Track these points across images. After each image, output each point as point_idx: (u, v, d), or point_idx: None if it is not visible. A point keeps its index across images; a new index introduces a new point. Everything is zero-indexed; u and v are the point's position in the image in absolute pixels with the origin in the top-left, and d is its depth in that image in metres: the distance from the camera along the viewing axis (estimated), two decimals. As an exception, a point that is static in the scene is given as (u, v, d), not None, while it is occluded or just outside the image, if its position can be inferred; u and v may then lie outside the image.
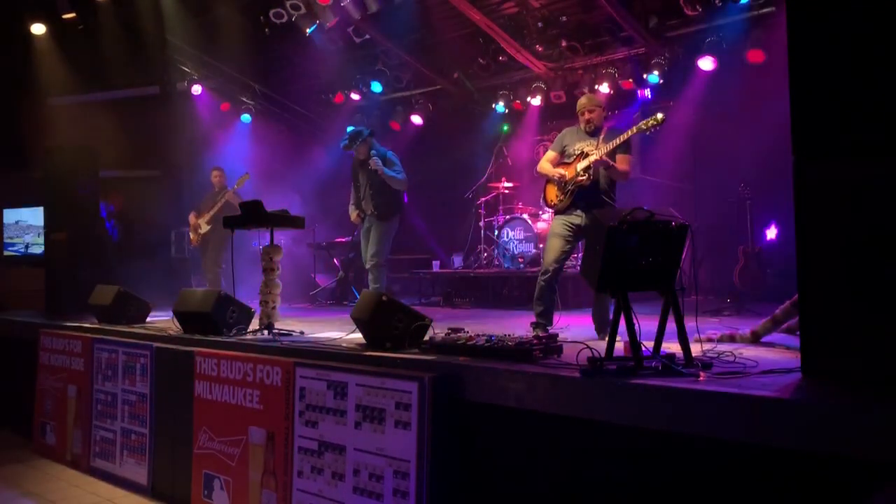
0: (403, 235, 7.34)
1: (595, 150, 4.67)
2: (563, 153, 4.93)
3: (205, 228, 7.93)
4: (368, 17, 8.65)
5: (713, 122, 8.65)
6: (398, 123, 10.83)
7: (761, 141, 7.55)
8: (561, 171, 4.82)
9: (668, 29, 8.27)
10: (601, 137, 4.75)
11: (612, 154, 4.66)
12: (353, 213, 6.77)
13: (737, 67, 7.84)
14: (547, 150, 5.09)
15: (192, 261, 9.43)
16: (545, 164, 4.96)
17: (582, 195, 4.71)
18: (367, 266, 6.59)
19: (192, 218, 8.11)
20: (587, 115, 4.82)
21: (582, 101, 4.92)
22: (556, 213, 4.86)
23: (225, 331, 4.68)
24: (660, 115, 4.48)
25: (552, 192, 4.91)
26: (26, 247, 8.90)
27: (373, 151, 6.51)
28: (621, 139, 4.59)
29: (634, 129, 4.57)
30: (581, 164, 4.70)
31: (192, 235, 8.17)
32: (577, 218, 4.73)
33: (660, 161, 9.12)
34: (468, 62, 9.64)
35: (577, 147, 4.81)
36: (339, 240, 9.93)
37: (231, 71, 10.49)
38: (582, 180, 4.67)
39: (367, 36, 9.39)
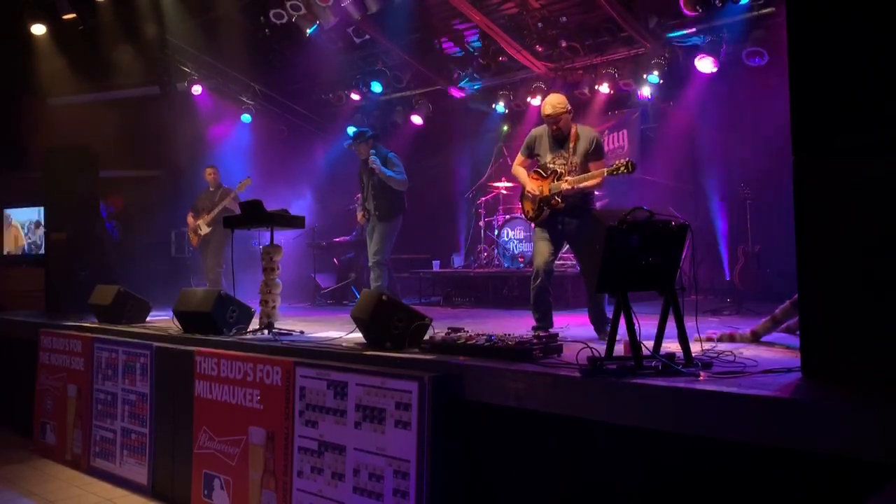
0: (404, 235, 7.34)
1: (566, 172, 4.59)
2: (532, 157, 4.87)
3: (205, 230, 7.84)
4: (368, 18, 8.65)
5: (713, 122, 8.66)
6: (398, 122, 10.85)
7: (761, 140, 7.56)
8: (534, 187, 4.72)
9: (668, 29, 8.27)
10: (571, 147, 4.64)
11: (583, 168, 4.58)
12: (359, 213, 6.92)
13: (737, 67, 7.84)
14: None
15: (191, 261, 9.42)
16: (519, 170, 4.91)
17: (557, 211, 4.66)
18: (370, 265, 6.67)
19: (190, 220, 8.03)
20: (554, 126, 4.65)
21: (546, 109, 4.66)
22: (536, 224, 4.81)
23: (225, 330, 4.68)
24: (632, 164, 4.32)
25: (528, 206, 4.84)
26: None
27: (372, 151, 6.64)
28: (590, 177, 4.49)
29: (605, 171, 4.44)
30: (554, 188, 4.61)
31: (191, 237, 8.08)
32: (556, 225, 4.70)
33: (660, 161, 9.12)
34: (468, 62, 9.63)
35: (550, 159, 4.72)
36: (338, 240, 9.93)
37: (231, 71, 10.48)
38: (555, 205, 4.62)
39: (367, 36, 9.39)
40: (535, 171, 4.83)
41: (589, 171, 4.58)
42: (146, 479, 4.63)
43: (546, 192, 4.67)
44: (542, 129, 4.85)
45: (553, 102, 4.65)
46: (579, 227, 4.60)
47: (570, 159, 4.63)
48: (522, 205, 4.94)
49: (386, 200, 6.64)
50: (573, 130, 4.69)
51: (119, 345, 5.01)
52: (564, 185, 4.54)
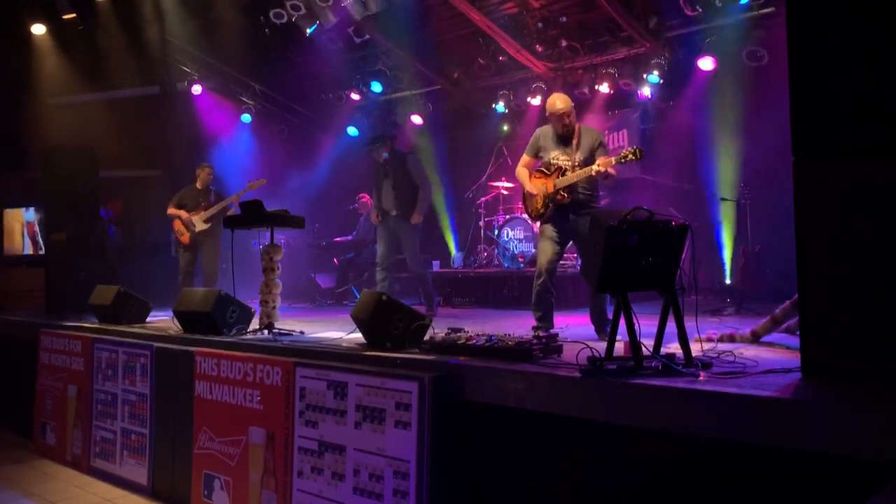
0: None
1: (570, 168, 4.64)
2: (537, 156, 4.89)
3: (201, 227, 7.42)
4: (368, 17, 8.65)
5: (713, 122, 8.65)
6: (399, 121, 10.85)
7: (761, 141, 7.56)
8: (538, 184, 4.76)
9: (668, 29, 8.27)
10: (575, 144, 4.69)
11: (587, 165, 4.61)
12: (373, 214, 6.94)
13: (737, 67, 7.84)
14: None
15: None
16: (522, 171, 4.93)
17: (563, 206, 4.68)
18: (380, 266, 6.66)
19: (183, 213, 7.46)
20: (566, 120, 4.71)
21: (559, 105, 4.72)
22: (542, 223, 4.83)
23: (225, 331, 4.68)
24: (640, 151, 4.40)
25: (532, 205, 4.86)
26: None
27: (385, 154, 6.77)
28: (598, 166, 4.50)
29: (614, 159, 4.49)
30: (560, 184, 4.64)
31: (181, 233, 7.48)
32: (564, 221, 4.71)
33: (660, 161, 9.12)
34: (468, 62, 9.64)
35: (553, 156, 4.76)
36: (338, 240, 9.93)
37: (231, 71, 10.49)
38: (561, 199, 4.64)
39: (367, 36, 9.39)
40: (538, 171, 4.86)
41: (600, 166, 4.58)
42: (146, 479, 4.62)
43: (551, 189, 4.70)
44: (546, 129, 4.92)
45: (564, 97, 4.80)
46: (586, 223, 4.61)
47: (573, 156, 4.68)
48: (526, 206, 4.95)
49: (409, 198, 6.65)
50: (577, 129, 4.75)
51: (119, 345, 5.01)
52: (570, 175, 4.59)
